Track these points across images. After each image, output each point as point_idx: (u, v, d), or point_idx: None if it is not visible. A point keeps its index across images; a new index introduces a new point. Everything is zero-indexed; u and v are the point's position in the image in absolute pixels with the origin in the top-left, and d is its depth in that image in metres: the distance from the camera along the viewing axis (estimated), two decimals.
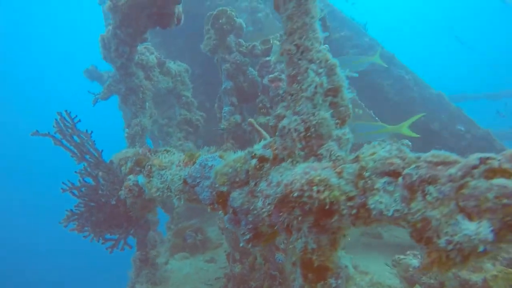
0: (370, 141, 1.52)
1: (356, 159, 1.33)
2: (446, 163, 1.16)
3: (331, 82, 1.48)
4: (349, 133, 1.54)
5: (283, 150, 1.50)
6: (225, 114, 3.86)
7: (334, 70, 1.49)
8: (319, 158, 1.45)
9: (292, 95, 1.51)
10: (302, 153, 1.45)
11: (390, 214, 1.17)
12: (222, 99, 3.85)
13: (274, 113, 1.59)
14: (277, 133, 1.53)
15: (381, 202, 1.19)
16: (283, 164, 1.49)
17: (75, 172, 2.63)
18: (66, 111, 2.70)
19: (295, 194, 1.29)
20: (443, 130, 6.34)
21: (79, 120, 2.77)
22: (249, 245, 1.61)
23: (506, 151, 1.13)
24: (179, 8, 2.83)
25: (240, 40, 3.80)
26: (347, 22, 6.75)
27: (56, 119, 2.62)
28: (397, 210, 1.16)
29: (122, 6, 2.61)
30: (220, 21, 3.76)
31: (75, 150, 2.64)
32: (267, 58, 3.64)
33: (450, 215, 1.05)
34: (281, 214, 1.37)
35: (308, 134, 1.44)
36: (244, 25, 3.89)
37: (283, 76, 3.47)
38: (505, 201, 0.98)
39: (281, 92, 3.38)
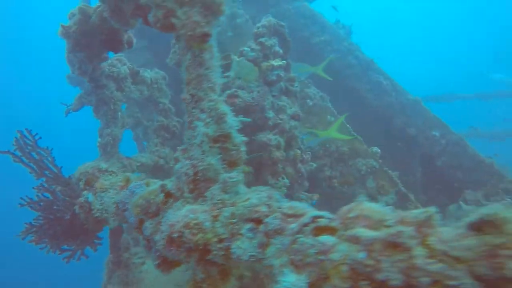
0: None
1: (233, 204, 1.49)
2: (296, 216, 1.31)
3: (219, 129, 1.63)
4: (238, 175, 1.69)
5: (178, 190, 1.67)
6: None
7: (224, 119, 1.64)
8: (205, 200, 1.62)
9: (189, 140, 1.67)
10: (189, 195, 1.61)
11: (246, 258, 1.33)
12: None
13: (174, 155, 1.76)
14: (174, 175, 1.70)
15: (240, 247, 1.35)
16: (176, 203, 1.66)
17: (33, 188, 2.85)
18: (26, 129, 2.90)
19: (175, 235, 1.46)
20: (419, 135, 6.43)
21: (40, 137, 2.97)
22: (160, 270, 1.80)
23: (341, 209, 1.27)
24: (129, 34, 2.97)
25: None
26: (328, 27, 6.81)
27: (15, 137, 2.82)
28: (252, 256, 1.32)
29: (73, 33, 2.77)
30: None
31: (34, 167, 2.86)
32: (227, 74, 3.78)
33: (283, 266, 1.21)
34: (171, 249, 1.54)
35: (197, 178, 1.60)
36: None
37: (239, 93, 3.61)
38: (321, 257, 1.13)
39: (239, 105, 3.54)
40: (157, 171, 5.29)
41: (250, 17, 6.58)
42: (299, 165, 4.26)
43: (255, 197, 1.48)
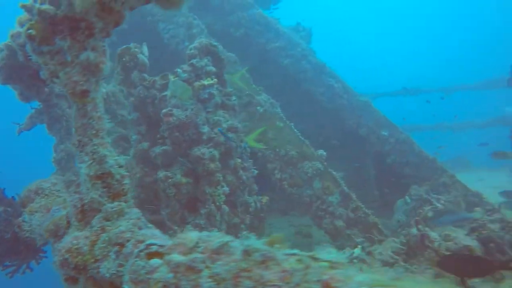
0: None
1: (108, 230, 1.82)
2: (141, 242, 1.64)
3: (101, 169, 1.95)
4: (120, 205, 2.01)
5: (71, 218, 1.99)
6: (133, 142, 4.35)
7: (104, 160, 1.95)
8: (91, 227, 1.95)
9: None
10: (77, 223, 1.94)
11: (108, 276, 1.67)
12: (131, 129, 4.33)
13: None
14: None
15: (106, 267, 1.69)
16: (70, 229, 1.99)
17: None
18: None
19: (61, 258, 1.79)
20: (370, 135, 6.81)
21: None
22: (67, 284, 2.13)
23: (177, 237, 1.60)
24: None
25: (143, 75, 4.22)
26: (282, 34, 7.10)
27: None
28: (113, 273, 1.66)
29: (2, 67, 3.04)
30: (124, 59, 4.19)
31: None
32: (164, 93, 4.09)
33: (126, 283, 1.55)
34: (63, 268, 1.87)
35: (84, 209, 1.92)
36: (147, 62, 4.29)
37: (174, 111, 3.92)
38: (148, 276, 1.47)
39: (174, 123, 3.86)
40: None
41: (206, 26, 6.85)
42: (241, 172, 4.60)
43: (124, 225, 1.82)
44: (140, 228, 1.79)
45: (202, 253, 1.42)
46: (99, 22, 1.71)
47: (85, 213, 1.92)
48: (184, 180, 3.97)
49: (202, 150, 3.92)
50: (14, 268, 3.31)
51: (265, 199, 5.49)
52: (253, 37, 7.08)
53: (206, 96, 3.95)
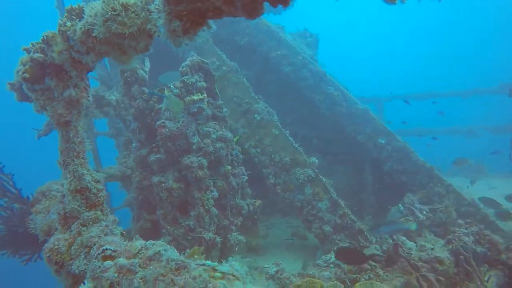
0: None
1: (79, 234, 2.26)
2: (100, 246, 2.06)
3: (80, 184, 2.38)
4: (95, 213, 2.43)
5: (56, 223, 2.45)
6: (133, 149, 4.83)
7: (83, 177, 2.38)
8: (71, 231, 2.39)
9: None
10: (60, 227, 2.38)
11: (77, 272, 2.10)
12: (132, 136, 4.81)
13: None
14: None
15: (76, 265, 2.12)
16: (55, 232, 2.44)
17: None
18: None
19: (45, 256, 2.25)
20: (368, 142, 6.98)
21: (3, 166, 3.83)
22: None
23: (125, 244, 2.00)
24: None
25: (143, 88, 4.67)
26: (284, 42, 7.37)
27: None
28: (81, 270, 2.09)
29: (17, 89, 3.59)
30: (125, 74, 4.66)
31: None
32: (159, 106, 4.52)
33: (87, 278, 1.97)
34: (48, 263, 2.33)
35: (66, 216, 2.37)
36: (147, 76, 4.73)
37: (167, 123, 4.35)
38: (102, 274, 1.88)
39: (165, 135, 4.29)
40: (125, 180, 6.13)
41: (212, 35, 7.23)
42: (231, 178, 4.98)
43: (94, 231, 2.24)
44: (105, 235, 2.21)
45: (140, 258, 1.82)
46: (73, 71, 2.13)
47: (67, 220, 2.37)
48: (175, 185, 4.40)
49: (191, 159, 4.33)
50: (28, 257, 3.88)
51: (257, 202, 5.85)
52: (257, 45, 7.39)
53: (196, 110, 4.34)
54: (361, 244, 5.34)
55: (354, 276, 4.32)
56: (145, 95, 4.57)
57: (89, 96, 2.43)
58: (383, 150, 6.82)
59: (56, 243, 2.25)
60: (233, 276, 1.57)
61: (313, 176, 5.76)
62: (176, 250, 1.84)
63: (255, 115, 6.22)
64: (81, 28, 1.66)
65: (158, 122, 4.33)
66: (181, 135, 4.30)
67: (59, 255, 2.20)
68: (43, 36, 2.10)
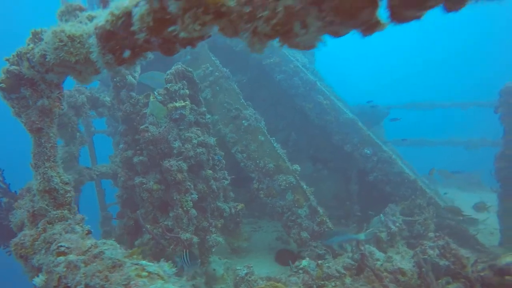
0: None
1: (44, 231, 2.51)
2: (58, 242, 2.30)
3: (48, 185, 2.62)
4: (62, 212, 2.67)
5: (25, 220, 2.71)
6: (119, 150, 5.09)
7: (51, 179, 2.62)
8: (37, 228, 2.64)
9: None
10: (28, 224, 2.63)
11: (37, 265, 2.35)
12: (120, 138, 5.08)
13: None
14: None
15: (37, 259, 2.37)
16: (24, 228, 2.69)
17: None
18: None
19: (13, 249, 2.50)
20: (354, 152, 7.11)
21: None
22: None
23: (77, 243, 2.24)
24: None
25: (131, 93, 4.93)
26: (277, 50, 7.55)
27: None
28: (40, 264, 2.33)
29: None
30: (115, 79, 4.93)
31: None
32: (144, 111, 4.77)
33: (42, 272, 2.20)
34: (17, 257, 2.59)
35: (34, 214, 2.62)
36: (135, 82, 4.99)
37: (150, 128, 4.60)
38: (54, 268, 2.11)
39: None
40: (116, 178, 6.41)
41: (206, 41, 7.47)
42: (212, 182, 5.20)
43: (57, 228, 2.47)
44: (66, 232, 2.45)
45: (87, 256, 2.05)
46: (42, 84, 2.38)
47: (35, 217, 2.62)
48: (156, 186, 4.65)
49: (171, 162, 4.56)
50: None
51: (240, 206, 6.06)
52: (250, 52, 7.59)
53: (178, 116, 4.58)
54: (337, 252, 5.50)
55: (322, 283, 4.49)
56: (133, 100, 4.82)
57: (61, 105, 2.67)
58: (369, 161, 6.95)
59: (22, 238, 2.50)
60: (158, 275, 1.78)
61: (294, 183, 5.94)
62: (121, 249, 2.07)
63: (243, 121, 6.43)
64: (38, 52, 1.90)
65: (141, 127, 4.58)
66: (163, 139, 4.53)
67: (23, 249, 2.45)
68: (17, 51, 2.36)
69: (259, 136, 6.33)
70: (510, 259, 3.73)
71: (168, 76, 4.67)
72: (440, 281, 4.05)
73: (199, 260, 4.53)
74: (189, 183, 4.84)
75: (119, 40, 1.51)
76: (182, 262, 4.21)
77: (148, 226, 4.71)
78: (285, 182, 5.94)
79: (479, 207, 6.42)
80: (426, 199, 6.44)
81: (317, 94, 7.21)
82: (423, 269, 4.11)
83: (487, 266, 3.77)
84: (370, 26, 1.10)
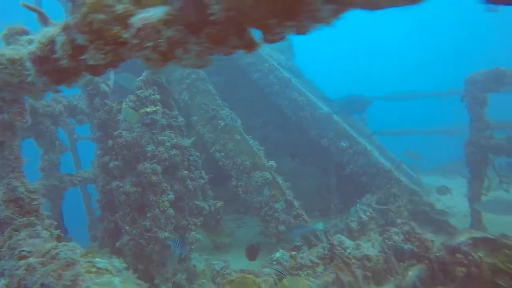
0: None
1: (10, 238, 2.69)
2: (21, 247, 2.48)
3: (13, 195, 2.80)
4: (28, 219, 2.86)
5: None
6: (97, 156, 5.27)
7: (15, 190, 2.81)
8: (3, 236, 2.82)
9: None
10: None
11: (0, 271, 2.53)
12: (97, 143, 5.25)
13: None
14: None
15: (1, 265, 2.56)
16: None
17: None
18: None
19: None
20: (331, 146, 7.33)
21: None
22: None
23: (37, 246, 2.43)
24: None
25: (105, 101, 5.10)
26: None
27: None
28: (4, 269, 2.52)
29: None
30: (88, 88, 5.09)
31: None
32: (118, 117, 4.94)
33: (5, 276, 2.39)
34: None
35: (1, 221, 2.81)
36: (109, 90, 5.16)
37: (123, 133, 4.77)
38: (15, 271, 2.31)
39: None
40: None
41: None
42: (188, 182, 5.39)
43: (22, 235, 2.67)
44: (31, 238, 2.64)
45: (46, 258, 2.24)
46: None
47: (1, 225, 2.81)
48: (132, 189, 4.83)
49: (146, 166, 4.75)
50: None
51: (219, 203, 6.26)
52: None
53: (149, 120, 4.76)
54: (313, 242, 5.73)
55: (296, 272, 4.72)
56: (107, 107, 4.99)
57: (24, 119, 2.85)
58: (345, 153, 7.17)
59: None
60: (107, 270, 1.98)
61: (270, 179, 6.15)
62: (77, 249, 2.26)
63: (220, 121, 6.62)
64: None
65: (115, 133, 4.75)
66: (136, 144, 4.71)
67: None
68: None
69: (236, 135, 6.52)
70: (463, 238, 3.97)
71: (138, 83, 4.84)
72: (402, 264, 4.29)
73: (187, 246, 4.82)
74: (165, 184, 5.03)
75: (51, 63, 1.69)
76: (174, 247, 4.53)
77: (127, 228, 4.90)
78: (261, 178, 6.15)
79: (442, 190, 6.68)
80: (401, 188, 6.68)
81: (292, 91, 7.41)
82: (387, 254, 4.35)
83: (442, 246, 4.00)
84: (247, 46, 1.30)
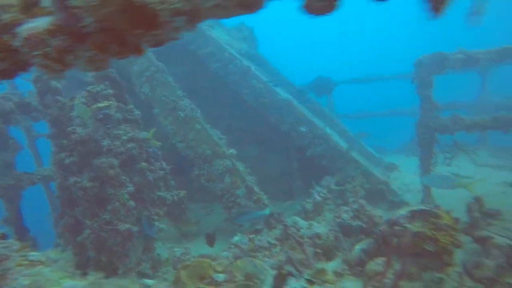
0: None
1: None
2: None
3: None
4: None
5: None
6: (52, 153, 5.26)
7: None
8: None
9: None
10: None
11: None
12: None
13: None
14: None
15: None
16: None
17: None
18: None
19: None
20: (291, 131, 7.57)
21: None
22: None
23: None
24: None
25: (57, 97, 5.07)
26: (211, 40, 7.77)
27: None
28: None
29: None
30: (37, 85, 5.04)
31: None
32: (72, 113, 4.94)
33: None
34: None
35: None
36: (60, 86, 5.13)
37: (76, 129, 4.79)
38: None
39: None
40: None
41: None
42: (148, 173, 5.49)
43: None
44: None
45: None
46: None
47: None
48: (89, 184, 4.89)
49: (101, 160, 4.81)
50: None
51: (182, 193, 6.40)
52: (185, 44, 7.79)
53: (102, 116, 4.79)
54: (273, 225, 6.00)
55: (254, 254, 4.97)
56: (59, 103, 4.97)
57: None
58: (304, 138, 7.43)
59: None
60: (40, 261, 2.11)
61: (230, 166, 6.33)
62: (14, 245, 2.36)
63: (179, 112, 6.70)
64: None
65: (68, 129, 4.77)
66: (90, 139, 4.75)
67: None
68: None
69: (196, 125, 6.63)
70: (403, 212, 4.30)
71: (89, 79, 4.84)
72: (349, 239, 4.61)
73: (155, 227, 5.21)
74: (124, 177, 5.11)
75: None
76: (143, 229, 4.84)
77: (87, 222, 4.98)
78: (222, 166, 6.32)
79: (389, 167, 7.08)
80: (358, 169, 7.03)
81: (252, 79, 7.54)
82: (335, 231, 4.66)
83: (385, 220, 4.33)
84: (132, 52, 1.43)
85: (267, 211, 5.16)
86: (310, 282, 4.04)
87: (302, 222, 5.14)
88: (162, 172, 5.73)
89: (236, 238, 5.05)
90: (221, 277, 4.09)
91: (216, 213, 8.16)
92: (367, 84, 13.43)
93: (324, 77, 10.02)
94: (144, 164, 5.40)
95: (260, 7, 1.15)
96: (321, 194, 6.05)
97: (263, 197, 6.17)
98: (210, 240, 4.90)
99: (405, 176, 9.08)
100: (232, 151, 6.43)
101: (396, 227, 4.11)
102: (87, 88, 4.81)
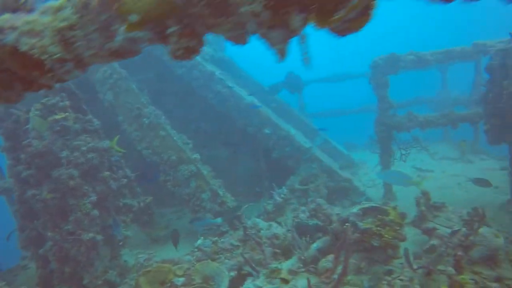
0: None
1: None
2: None
3: None
4: None
5: None
6: (8, 166, 5.25)
7: None
8: None
9: None
10: None
11: None
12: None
13: None
14: None
15: None
16: None
17: None
18: None
19: None
20: (257, 133, 7.75)
21: None
22: None
23: None
24: None
25: (10, 110, 5.05)
26: None
27: None
28: None
29: None
30: None
31: None
32: (27, 126, 4.95)
33: None
34: None
35: None
36: None
37: (32, 142, 4.80)
38: None
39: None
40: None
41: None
42: (111, 182, 5.55)
43: None
44: None
45: None
46: None
47: None
48: (48, 196, 4.91)
49: (61, 171, 4.84)
50: None
51: (149, 199, 6.49)
52: (150, 50, 7.83)
53: (59, 127, 4.82)
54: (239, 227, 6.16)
55: (217, 256, 5.12)
56: (14, 117, 4.96)
57: None
58: (269, 140, 7.63)
59: None
60: None
61: (195, 171, 6.46)
62: None
63: (144, 119, 6.76)
64: None
65: (24, 142, 4.77)
66: (48, 151, 4.77)
67: None
68: None
69: (160, 132, 6.71)
70: (355, 209, 4.55)
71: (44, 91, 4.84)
72: (305, 238, 4.83)
73: (121, 225, 5.42)
74: (86, 187, 5.16)
75: None
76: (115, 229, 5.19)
77: (49, 234, 5.01)
78: (187, 171, 6.44)
79: (354, 164, 7.36)
80: (320, 168, 7.29)
81: (216, 84, 7.67)
82: (291, 231, 4.87)
83: (338, 218, 4.57)
84: (42, 87, 1.56)
85: (219, 220, 5.36)
86: (266, 281, 4.23)
87: (262, 223, 5.33)
88: (125, 180, 5.80)
89: (198, 241, 5.19)
90: (180, 280, 4.23)
91: (187, 217, 8.25)
92: (337, 83, 13.76)
93: (294, 75, 10.21)
94: (106, 173, 5.45)
95: (136, 55, 1.30)
96: (282, 196, 6.26)
97: (228, 199, 6.32)
98: (174, 239, 5.05)
99: (373, 172, 9.44)
100: (196, 155, 6.56)
101: (346, 225, 4.36)
102: (41, 101, 4.82)
